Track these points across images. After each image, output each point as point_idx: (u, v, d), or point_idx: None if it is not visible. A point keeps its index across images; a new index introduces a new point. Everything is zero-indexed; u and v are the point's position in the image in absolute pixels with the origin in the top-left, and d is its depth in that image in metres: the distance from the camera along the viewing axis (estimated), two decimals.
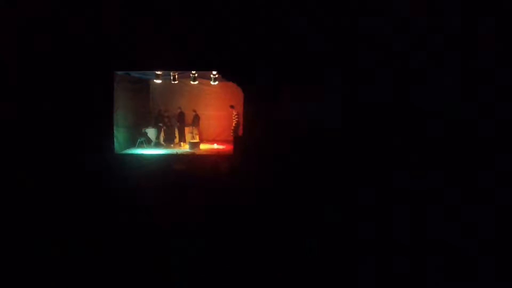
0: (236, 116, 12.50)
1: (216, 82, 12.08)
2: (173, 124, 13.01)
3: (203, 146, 12.30)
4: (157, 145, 12.42)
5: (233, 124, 12.66)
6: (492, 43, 7.46)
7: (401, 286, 3.97)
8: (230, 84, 10.86)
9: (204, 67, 10.32)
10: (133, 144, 11.83)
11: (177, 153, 11.11)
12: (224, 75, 10.06)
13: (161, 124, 12.75)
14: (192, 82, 11.96)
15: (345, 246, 4.77)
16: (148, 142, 12.07)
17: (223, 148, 12.19)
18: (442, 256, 4.48)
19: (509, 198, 6.09)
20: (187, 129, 12.99)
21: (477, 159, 7.29)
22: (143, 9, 8.52)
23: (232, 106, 12.70)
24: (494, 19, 7.38)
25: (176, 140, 13.00)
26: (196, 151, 11.44)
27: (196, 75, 11.34)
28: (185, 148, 11.98)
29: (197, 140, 12.44)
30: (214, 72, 11.16)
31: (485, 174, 7.02)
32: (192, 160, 10.34)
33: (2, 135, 8.60)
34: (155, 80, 11.84)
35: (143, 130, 12.25)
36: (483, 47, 7.57)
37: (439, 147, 7.88)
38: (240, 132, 12.05)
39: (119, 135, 10.87)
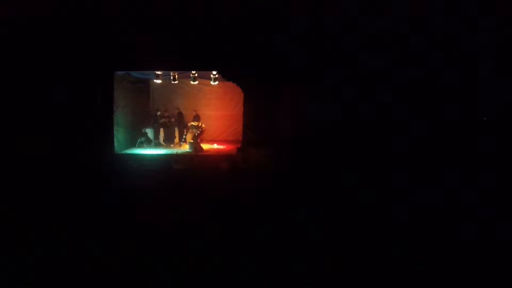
0: (199, 126, 11.76)
1: (216, 82, 12.08)
2: (173, 124, 13.01)
3: (203, 146, 12.30)
4: (157, 145, 12.42)
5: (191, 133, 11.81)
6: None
7: (400, 285, 3.98)
8: (230, 84, 10.87)
9: (204, 67, 10.33)
10: (133, 144, 11.83)
11: (177, 153, 11.11)
12: (224, 75, 10.06)
13: (156, 125, 12.73)
14: (192, 82, 11.96)
15: (345, 247, 4.77)
16: (148, 142, 12.07)
17: (223, 148, 12.19)
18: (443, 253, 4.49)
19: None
20: (189, 124, 12.93)
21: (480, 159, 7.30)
22: (143, 10, 8.52)
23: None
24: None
25: (176, 140, 12.99)
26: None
27: (196, 75, 11.34)
28: (185, 148, 11.98)
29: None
30: (214, 72, 11.17)
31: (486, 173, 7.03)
32: (192, 160, 10.35)
33: (2, 135, 8.60)
34: (155, 80, 11.85)
35: (143, 130, 12.25)
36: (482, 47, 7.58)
37: (439, 147, 7.89)
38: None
39: (119, 135, 10.87)
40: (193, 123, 11.85)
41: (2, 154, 8.32)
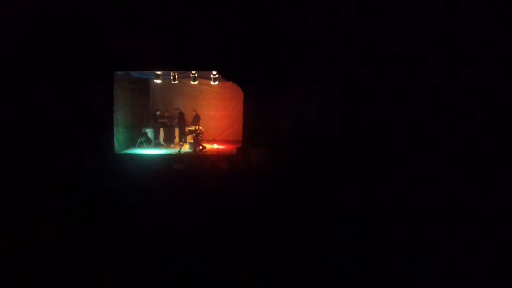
0: (196, 130, 11.49)
1: (216, 82, 12.07)
2: (173, 124, 13.01)
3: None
4: (157, 145, 12.42)
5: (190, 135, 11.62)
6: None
7: (400, 286, 3.98)
8: (230, 84, 10.86)
9: (204, 67, 10.33)
10: (133, 144, 11.83)
11: (179, 151, 11.12)
12: (224, 75, 10.06)
13: (156, 125, 12.72)
14: (192, 82, 11.95)
15: (345, 246, 4.77)
16: (148, 142, 12.07)
17: (223, 148, 12.19)
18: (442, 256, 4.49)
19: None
20: (187, 129, 12.97)
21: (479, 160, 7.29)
22: (143, 10, 8.52)
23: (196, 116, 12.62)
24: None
25: (176, 140, 12.99)
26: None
27: (196, 75, 11.34)
28: (185, 148, 11.98)
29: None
30: (214, 72, 11.16)
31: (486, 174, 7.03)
32: (192, 160, 10.34)
33: (2, 135, 8.60)
34: (155, 80, 11.84)
35: (143, 130, 12.25)
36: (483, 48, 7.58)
37: (439, 147, 7.89)
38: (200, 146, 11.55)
39: (119, 135, 10.87)
40: (190, 128, 11.80)
41: (2, 154, 8.32)
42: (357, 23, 8.22)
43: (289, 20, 8.45)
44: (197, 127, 11.67)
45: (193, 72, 11.11)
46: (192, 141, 11.50)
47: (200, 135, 11.57)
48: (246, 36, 8.77)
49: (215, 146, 12.50)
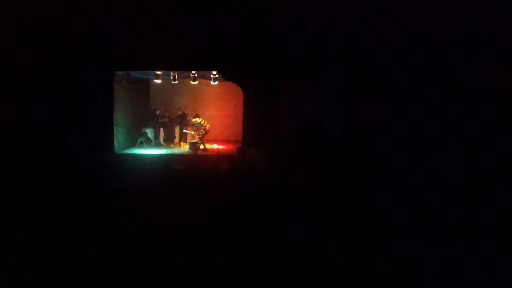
0: (202, 125, 11.47)
1: (216, 82, 12.07)
2: (173, 125, 13.00)
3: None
4: (157, 145, 12.42)
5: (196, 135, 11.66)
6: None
7: (400, 285, 3.98)
8: (230, 84, 10.86)
9: (204, 67, 10.33)
10: (133, 144, 11.83)
11: (179, 151, 11.14)
12: (224, 75, 10.06)
13: (156, 125, 12.72)
14: (192, 82, 11.95)
15: (345, 247, 4.77)
16: (148, 142, 12.07)
17: (223, 148, 12.19)
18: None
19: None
20: (192, 121, 12.82)
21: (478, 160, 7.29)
22: (143, 9, 8.51)
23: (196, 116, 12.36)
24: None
25: (176, 140, 13.00)
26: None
27: (196, 75, 11.33)
28: (185, 148, 11.99)
29: (197, 140, 12.41)
30: (214, 72, 11.16)
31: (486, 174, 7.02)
32: (192, 160, 10.34)
33: (2, 135, 8.60)
34: (155, 80, 11.84)
35: (143, 130, 12.25)
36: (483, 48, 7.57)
37: (439, 147, 7.88)
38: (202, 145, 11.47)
39: (119, 135, 10.87)
40: (197, 119, 11.69)
41: (2, 155, 8.32)
42: (358, 23, 8.21)
43: (290, 20, 8.44)
44: (203, 121, 11.55)
45: (193, 72, 11.11)
46: (193, 140, 11.49)
47: (202, 131, 11.46)
48: (246, 36, 8.76)
49: (215, 146, 12.51)
